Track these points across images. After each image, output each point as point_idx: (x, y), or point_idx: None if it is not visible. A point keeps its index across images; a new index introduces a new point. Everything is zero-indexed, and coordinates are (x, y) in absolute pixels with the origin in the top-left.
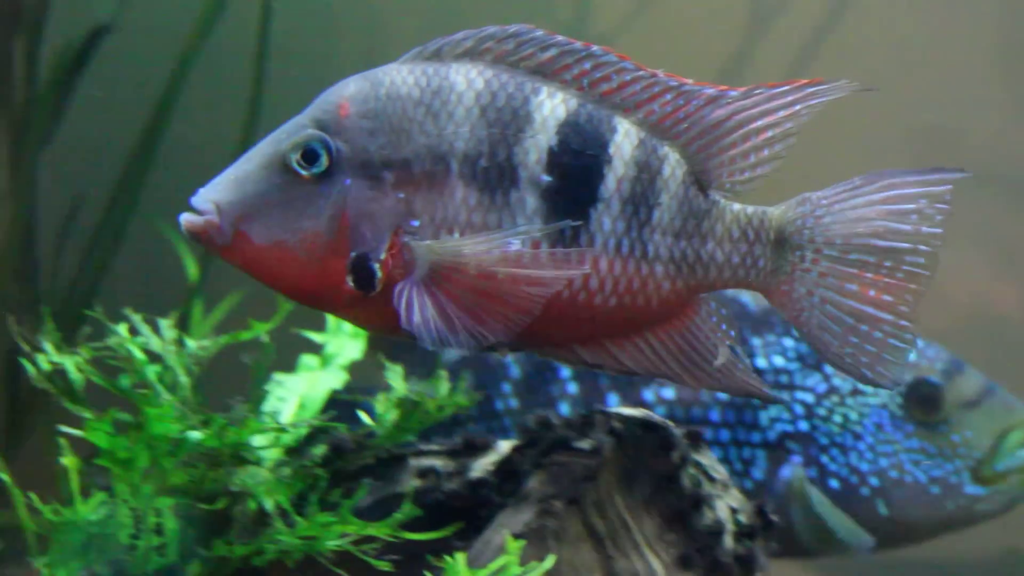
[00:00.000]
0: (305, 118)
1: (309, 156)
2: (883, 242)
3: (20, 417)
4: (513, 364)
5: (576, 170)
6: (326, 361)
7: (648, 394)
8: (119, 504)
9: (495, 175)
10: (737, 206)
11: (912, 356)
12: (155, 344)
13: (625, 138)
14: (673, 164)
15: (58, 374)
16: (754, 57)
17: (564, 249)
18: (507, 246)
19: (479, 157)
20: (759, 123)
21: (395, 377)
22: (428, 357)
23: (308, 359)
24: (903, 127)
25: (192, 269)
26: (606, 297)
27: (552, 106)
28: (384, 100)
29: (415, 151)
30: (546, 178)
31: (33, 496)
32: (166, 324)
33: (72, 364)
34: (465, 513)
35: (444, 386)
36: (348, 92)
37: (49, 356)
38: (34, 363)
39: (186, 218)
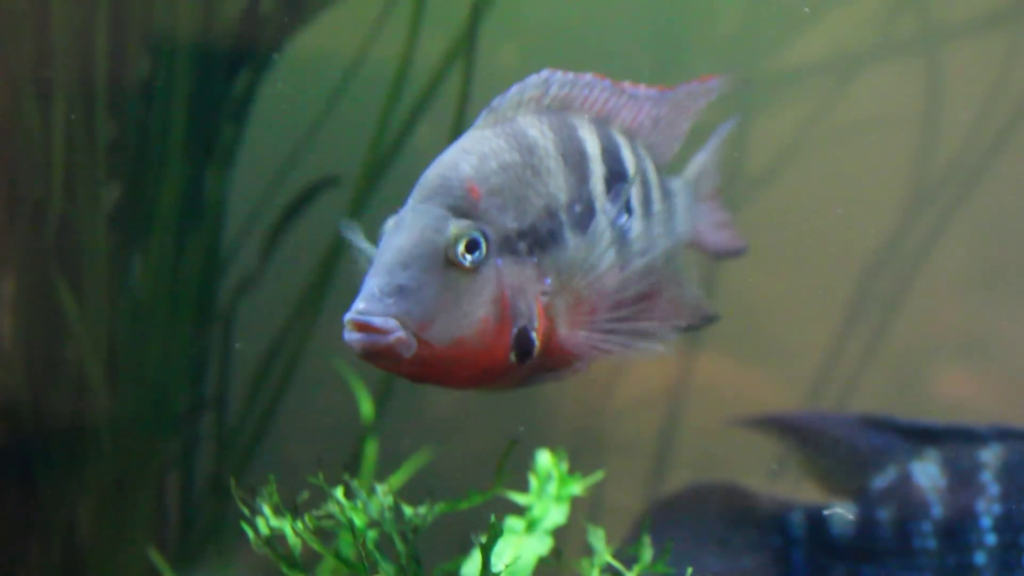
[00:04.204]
0: (437, 208)
1: (472, 246)
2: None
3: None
4: (937, 503)
5: (618, 190)
6: (532, 526)
7: None
8: None
9: (585, 215)
10: (678, 180)
11: None
12: (373, 510)
13: (626, 149)
14: (648, 160)
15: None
16: None
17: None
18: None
19: (574, 203)
20: (683, 115)
21: (598, 541)
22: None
23: (513, 522)
24: None
25: (367, 408)
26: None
27: (590, 137)
28: (500, 173)
29: (536, 214)
30: (609, 205)
31: None
32: (383, 490)
33: (290, 529)
34: None
35: (647, 553)
36: (467, 172)
37: (268, 520)
38: (254, 527)
39: (366, 338)
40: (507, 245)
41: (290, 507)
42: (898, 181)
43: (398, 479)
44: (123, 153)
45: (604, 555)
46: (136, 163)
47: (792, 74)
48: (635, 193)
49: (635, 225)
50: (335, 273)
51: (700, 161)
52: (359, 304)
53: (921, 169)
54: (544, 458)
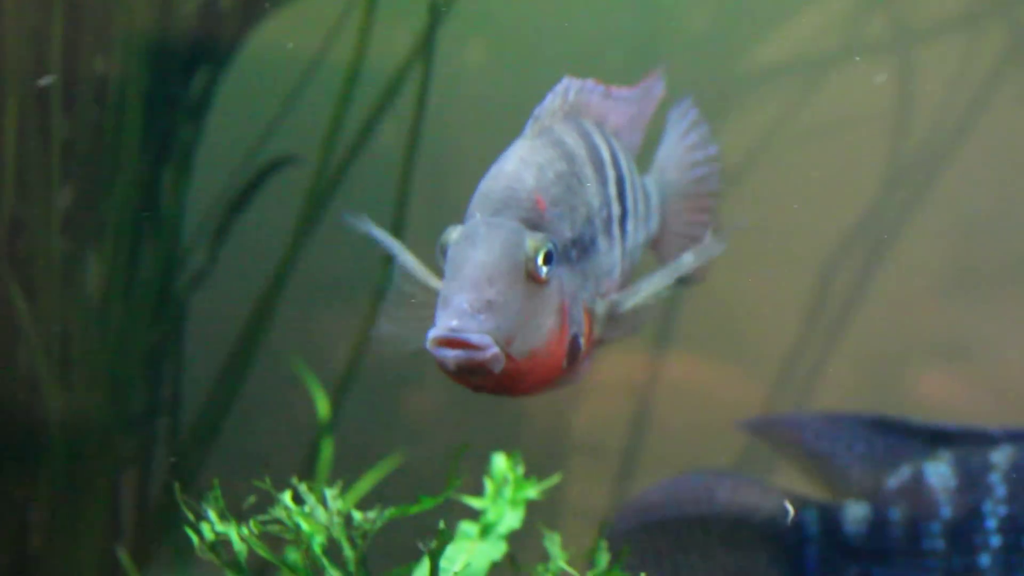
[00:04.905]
0: (511, 221)
1: (547, 258)
2: (697, 172)
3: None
4: (946, 504)
5: (623, 192)
6: (486, 530)
7: None
8: None
9: (606, 219)
10: (649, 178)
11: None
12: (321, 515)
13: (620, 151)
14: (631, 160)
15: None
16: None
17: None
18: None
19: (601, 207)
20: (647, 110)
21: (553, 546)
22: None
23: (467, 527)
24: None
25: (323, 406)
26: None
27: (602, 142)
28: (557, 183)
29: (582, 222)
30: (618, 208)
31: None
32: (331, 494)
33: (236, 535)
34: None
35: (604, 557)
36: (532, 184)
37: (214, 525)
38: (198, 532)
39: (463, 354)
40: (565, 254)
41: (236, 512)
42: (870, 181)
43: (365, 485)
44: (78, 153)
45: (559, 560)
46: (91, 163)
47: (763, 73)
48: (629, 191)
49: (629, 226)
50: (292, 270)
51: (659, 157)
52: (451, 321)
53: (893, 169)
54: (500, 462)
